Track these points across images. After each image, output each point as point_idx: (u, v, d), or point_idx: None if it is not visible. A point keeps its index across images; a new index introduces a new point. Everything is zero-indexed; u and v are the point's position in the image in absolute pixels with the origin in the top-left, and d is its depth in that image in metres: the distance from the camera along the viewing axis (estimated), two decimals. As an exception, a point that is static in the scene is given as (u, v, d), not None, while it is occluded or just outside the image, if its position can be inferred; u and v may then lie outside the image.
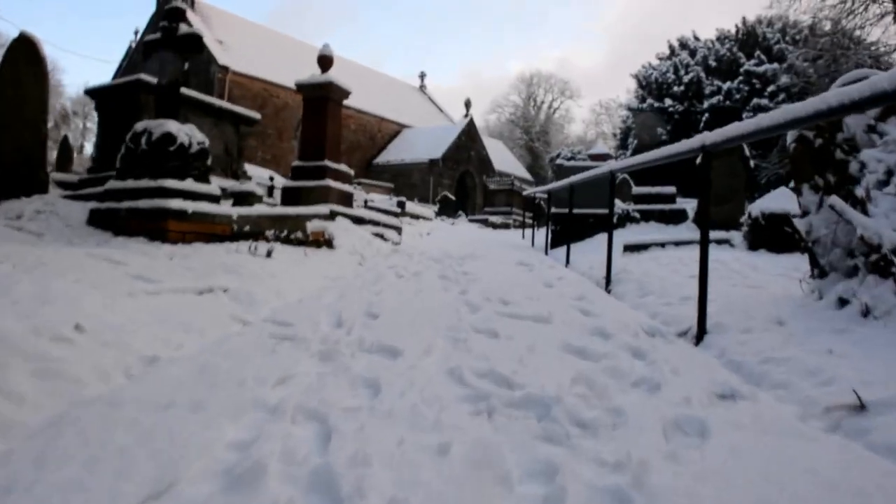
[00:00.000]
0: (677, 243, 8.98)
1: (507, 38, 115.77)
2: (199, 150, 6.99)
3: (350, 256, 8.70)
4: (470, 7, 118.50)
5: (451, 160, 36.02)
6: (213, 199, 7.13)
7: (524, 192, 17.26)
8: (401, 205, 19.59)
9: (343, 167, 11.71)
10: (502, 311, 4.97)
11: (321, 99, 11.43)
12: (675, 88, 32.05)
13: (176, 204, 6.55)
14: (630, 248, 8.99)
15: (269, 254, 6.76)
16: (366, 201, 15.55)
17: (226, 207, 7.16)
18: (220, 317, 4.45)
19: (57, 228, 7.00)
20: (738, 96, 29.90)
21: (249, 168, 16.07)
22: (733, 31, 34.17)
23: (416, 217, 20.82)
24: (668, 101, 31.83)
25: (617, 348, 3.81)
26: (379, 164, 37.25)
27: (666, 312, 5.09)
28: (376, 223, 11.80)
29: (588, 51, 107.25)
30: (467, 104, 38.74)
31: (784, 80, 27.58)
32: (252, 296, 5.08)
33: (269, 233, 7.67)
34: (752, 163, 11.44)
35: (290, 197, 11.19)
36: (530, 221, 18.26)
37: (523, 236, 17.56)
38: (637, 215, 12.40)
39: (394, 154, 37.50)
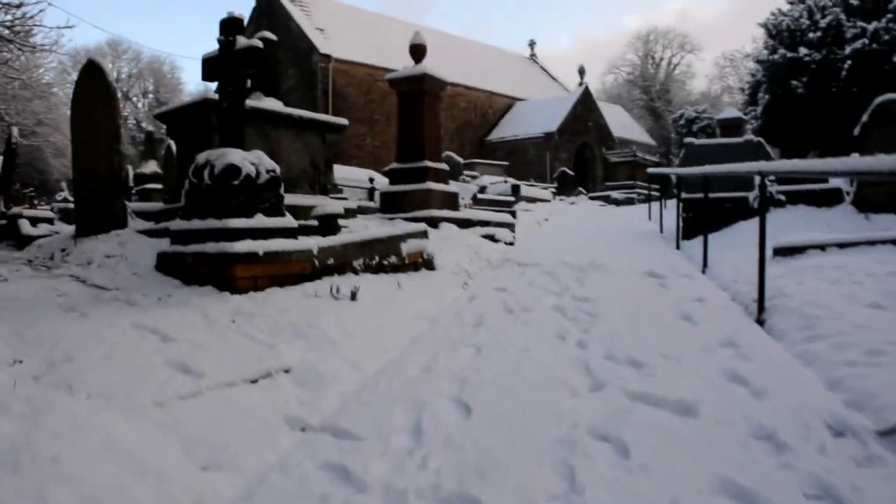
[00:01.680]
0: (841, 245, 7.39)
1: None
2: (268, 179, 6.11)
3: (453, 277, 7.67)
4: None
5: (567, 132, 34.37)
6: (289, 232, 6.25)
7: (649, 171, 15.69)
8: (515, 189, 18.41)
9: (444, 166, 10.69)
10: (632, 388, 3.79)
11: (416, 93, 10.43)
12: (811, 35, 28.94)
13: (243, 246, 5.70)
14: (782, 252, 7.49)
15: (353, 295, 5.82)
16: (476, 195, 14.48)
17: (304, 241, 6.26)
18: (271, 423, 3.51)
19: (123, 277, 6.32)
20: (887, 37, 26.63)
21: (348, 170, 15.38)
22: (877, -38, 30.56)
23: (532, 200, 19.63)
24: (802, 50, 28.78)
25: (801, 480, 2.60)
26: (492, 141, 36.08)
27: (851, 379, 3.73)
28: (485, 223, 10.77)
29: (709, 1, 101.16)
30: (581, 71, 36.84)
31: (946, 12, 24.27)
32: (320, 374, 4.13)
33: (358, 262, 6.74)
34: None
35: (388, 203, 10.29)
36: (656, 195, 16.71)
37: (649, 217, 16.02)
38: (782, 197, 10.72)
39: (507, 130, 36.22)
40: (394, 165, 10.61)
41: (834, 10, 28.55)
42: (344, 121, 8.73)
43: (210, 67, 6.36)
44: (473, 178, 21.34)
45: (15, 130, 13.35)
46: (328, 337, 4.81)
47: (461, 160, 19.83)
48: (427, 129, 10.35)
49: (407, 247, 7.34)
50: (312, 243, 6.30)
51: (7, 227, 10.24)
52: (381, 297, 6.16)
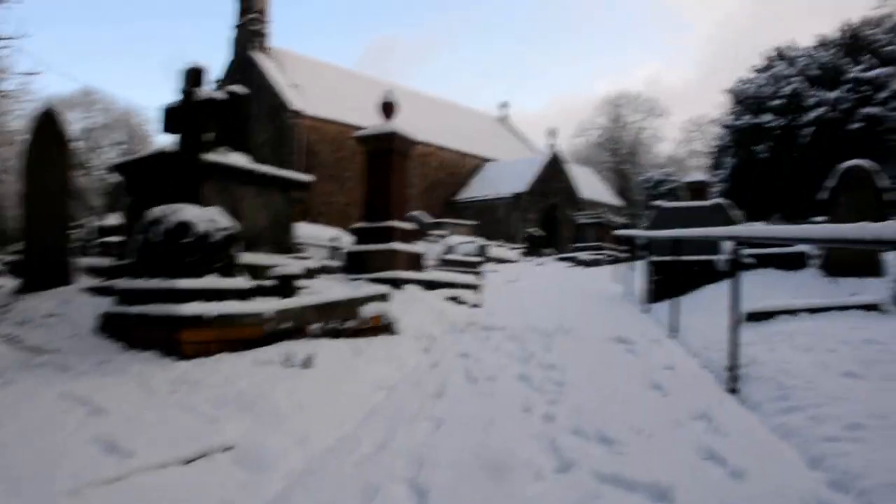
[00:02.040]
0: (812, 310, 7.23)
1: (593, 59, 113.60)
2: (223, 238, 5.82)
3: (415, 342, 7.36)
4: (554, 30, 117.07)
5: (536, 193, 34.52)
6: (243, 294, 5.94)
7: (616, 232, 15.64)
8: (482, 250, 18.24)
9: (410, 225, 10.46)
10: (602, 469, 3.49)
11: (385, 151, 10.25)
12: (774, 102, 29.64)
13: (191, 309, 5.36)
14: (752, 318, 7.32)
15: (306, 363, 5.49)
16: (443, 255, 14.25)
17: (258, 304, 5.94)
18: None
19: (60, 339, 5.93)
20: (844, 106, 27.33)
21: (313, 228, 15.09)
22: (835, 36, 31.55)
23: (500, 261, 19.47)
24: (766, 116, 29.44)
25: None
26: (462, 200, 36.12)
27: (833, 457, 3.48)
28: (451, 284, 10.50)
29: (676, 68, 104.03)
30: (551, 133, 37.21)
31: (898, 84, 24.99)
32: (264, 453, 3.78)
33: (316, 326, 6.42)
34: (886, 196, 9.55)
35: (353, 263, 10.01)
36: (624, 256, 16.64)
37: (617, 279, 15.89)
38: (752, 260, 10.63)
39: (477, 190, 36.32)
40: (359, 224, 10.36)
41: (796, 78, 29.30)
42: (309, 177, 8.49)
43: (170, 118, 6.12)
44: (442, 236, 21.17)
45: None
46: (277, 409, 4.47)
47: (429, 219, 19.68)
48: (394, 188, 10.15)
49: (367, 310, 7.04)
50: (267, 306, 5.98)
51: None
52: (338, 364, 5.83)
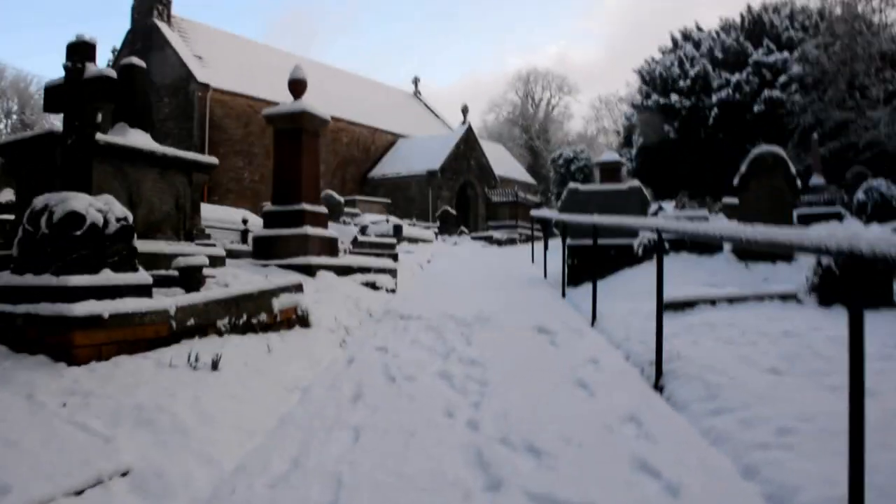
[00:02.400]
0: (731, 300, 7.27)
1: (504, 36, 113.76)
2: (118, 229, 5.34)
3: (330, 335, 7.05)
4: (465, 7, 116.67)
5: (450, 171, 34.31)
6: (143, 290, 5.49)
7: (534, 213, 15.60)
8: (397, 230, 17.93)
9: (322, 209, 10.06)
10: (533, 487, 3.30)
11: (295, 131, 9.79)
12: (681, 83, 30.35)
13: (84, 308, 4.89)
14: (672, 307, 7.30)
15: (214, 364, 5.11)
16: (356, 237, 13.89)
17: (159, 301, 5.50)
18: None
19: (-64, 343, 5.35)
20: (747, 89, 28.18)
21: (220, 210, 14.42)
22: (738, 20, 32.45)
23: (414, 241, 19.19)
24: (674, 97, 30.11)
25: None
26: (375, 178, 35.58)
27: (767, 467, 3.39)
28: (366, 269, 10.19)
29: (586, 46, 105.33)
30: (464, 110, 37.03)
31: (796, 69, 25.84)
32: (165, 477, 3.43)
33: (223, 322, 6.02)
34: (798, 182, 9.75)
35: (262, 249, 9.56)
36: (538, 235, 16.69)
37: (533, 260, 15.89)
38: (665, 245, 10.70)
39: (389, 167, 35.83)
40: (268, 207, 9.89)
41: (702, 60, 30.00)
42: (213, 159, 8.00)
43: (53, 97, 5.56)
44: (355, 215, 20.75)
45: None
46: (181, 423, 4.09)
47: (342, 199, 19.17)
48: (305, 170, 9.72)
49: (279, 302, 6.67)
50: (169, 302, 5.55)
51: None
52: (248, 363, 5.48)
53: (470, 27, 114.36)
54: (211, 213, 13.45)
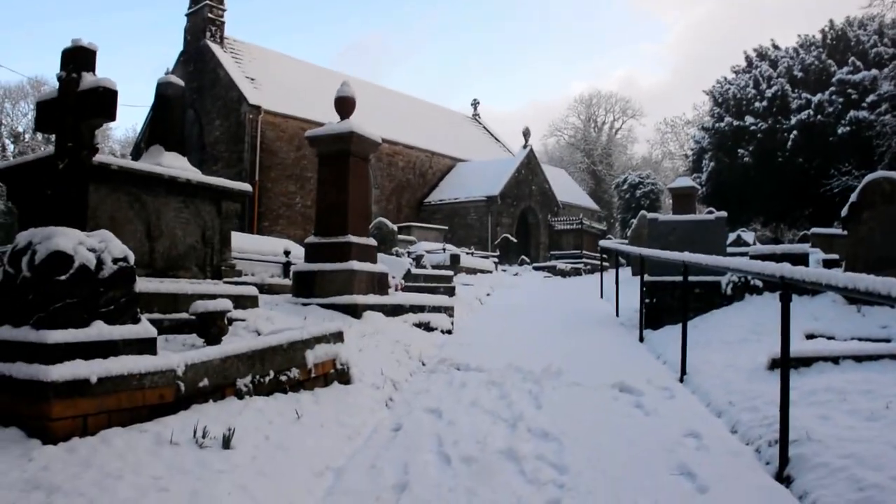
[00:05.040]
0: (858, 357, 5.94)
1: (569, 60, 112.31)
2: (115, 271, 4.39)
3: (374, 393, 5.98)
4: (528, 31, 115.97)
5: (510, 196, 33.13)
6: (144, 345, 4.51)
7: (601, 244, 14.40)
8: (454, 260, 16.89)
9: (371, 241, 9.06)
10: None
11: (341, 154, 8.84)
12: (757, 104, 28.66)
13: (65, 371, 3.94)
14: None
15: (226, 442, 4.10)
16: (410, 269, 12.88)
17: (164, 359, 4.52)
18: None
19: None
20: (830, 109, 26.39)
21: (260, 241, 13.53)
22: (819, 36, 30.69)
23: (472, 271, 18.12)
24: (748, 119, 28.44)
25: None
26: (431, 203, 34.63)
27: None
28: (420, 308, 9.13)
29: (651, 69, 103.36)
30: (526, 133, 35.85)
31: (886, 87, 24.04)
32: None
33: (245, 381, 5.02)
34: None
35: (302, 285, 8.61)
36: (605, 265, 15.49)
37: (601, 294, 14.59)
38: (759, 283, 9.40)
39: (447, 192, 34.84)
40: (311, 239, 8.92)
41: (779, 80, 28.36)
42: (246, 187, 7.09)
43: (44, 113, 4.68)
44: (409, 243, 19.81)
45: None
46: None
47: (395, 227, 18.21)
48: (353, 198, 8.73)
49: (315, 355, 5.65)
50: (177, 360, 4.56)
51: None
52: (270, 436, 4.45)
53: (534, 53, 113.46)
54: (250, 244, 12.59)
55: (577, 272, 21.47)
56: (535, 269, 22.82)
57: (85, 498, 3.33)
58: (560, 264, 22.49)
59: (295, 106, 28.02)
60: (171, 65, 29.53)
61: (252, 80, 27.70)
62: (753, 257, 9.72)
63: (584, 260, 23.32)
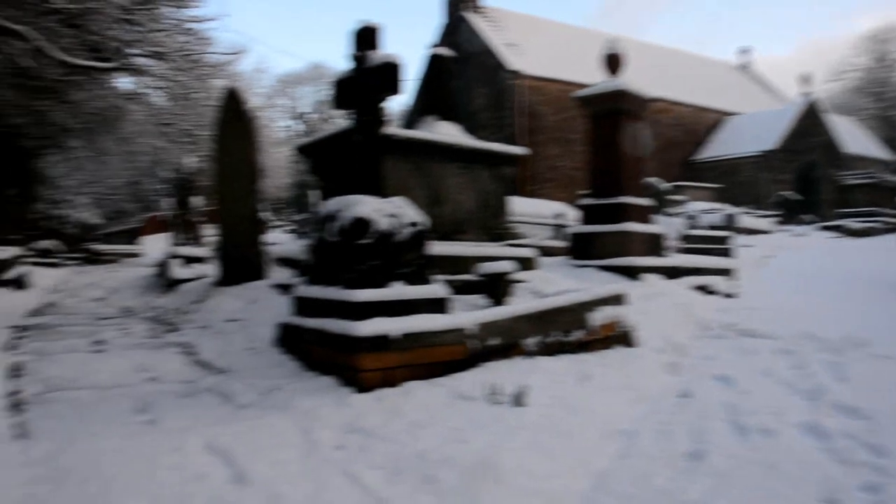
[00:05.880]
0: None
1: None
2: (410, 236, 4.66)
3: (657, 357, 5.80)
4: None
5: (788, 150, 30.51)
6: (436, 304, 4.75)
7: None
8: (730, 220, 15.94)
9: (645, 201, 8.80)
10: None
11: (612, 113, 8.64)
12: None
13: (371, 328, 4.27)
14: None
15: (518, 399, 4.21)
16: (683, 231, 12.35)
17: (455, 318, 4.74)
18: None
19: (235, 352, 5.15)
20: None
21: (531, 203, 13.63)
22: None
23: (750, 232, 17.01)
24: None
25: None
26: (700, 161, 32.95)
27: None
28: (697, 270, 8.74)
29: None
30: (804, 80, 32.74)
31: None
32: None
33: (531, 341, 5.12)
34: None
35: (579, 246, 8.60)
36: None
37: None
38: None
39: (717, 149, 32.92)
40: (586, 201, 8.85)
41: None
42: (521, 150, 7.18)
43: (343, 91, 5.03)
44: (680, 203, 19.00)
45: (187, 160, 13.10)
46: (470, 483, 3.23)
47: (665, 185, 17.54)
48: (625, 157, 8.51)
49: (597, 317, 5.60)
50: (468, 319, 4.76)
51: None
52: (556, 396, 4.49)
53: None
54: (521, 207, 12.77)
55: (869, 232, 19.27)
56: (820, 228, 20.86)
57: (395, 444, 3.58)
58: (849, 223, 20.29)
59: (555, 68, 27.96)
60: (435, 37, 30.74)
61: (511, 45, 28.05)
62: None
63: (879, 217, 20.85)
